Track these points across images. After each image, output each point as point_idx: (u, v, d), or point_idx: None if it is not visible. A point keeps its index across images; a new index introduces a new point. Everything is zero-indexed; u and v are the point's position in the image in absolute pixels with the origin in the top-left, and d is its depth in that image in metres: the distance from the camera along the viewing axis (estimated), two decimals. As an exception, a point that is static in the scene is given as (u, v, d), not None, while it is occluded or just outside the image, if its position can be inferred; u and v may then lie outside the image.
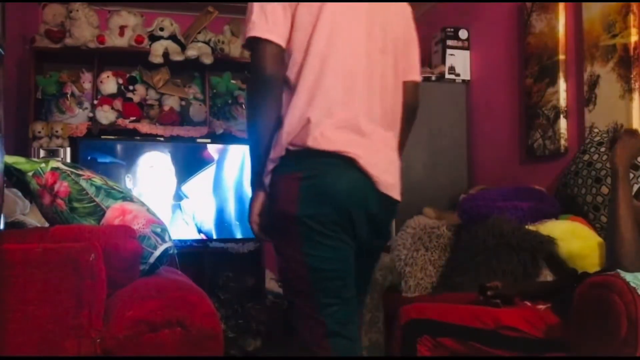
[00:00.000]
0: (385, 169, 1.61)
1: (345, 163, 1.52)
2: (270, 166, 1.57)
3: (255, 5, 1.58)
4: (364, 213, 1.56)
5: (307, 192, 1.51)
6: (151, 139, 3.86)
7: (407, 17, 1.80)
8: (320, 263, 1.52)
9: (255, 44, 1.57)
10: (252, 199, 1.62)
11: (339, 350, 1.52)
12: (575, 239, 2.38)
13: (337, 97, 1.57)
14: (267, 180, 1.59)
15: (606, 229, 2.13)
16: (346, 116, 1.56)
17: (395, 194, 1.66)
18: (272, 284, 4.12)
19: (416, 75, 1.81)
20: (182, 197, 3.83)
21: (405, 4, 1.81)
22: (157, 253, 1.70)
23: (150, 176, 3.84)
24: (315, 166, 1.52)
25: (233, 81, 4.00)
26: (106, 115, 3.74)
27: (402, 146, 1.82)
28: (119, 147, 3.83)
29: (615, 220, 1.82)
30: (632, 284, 1.47)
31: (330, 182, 1.51)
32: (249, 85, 1.71)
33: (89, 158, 3.72)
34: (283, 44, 1.57)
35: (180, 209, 3.84)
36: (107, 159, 3.81)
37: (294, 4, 1.58)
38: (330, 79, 1.57)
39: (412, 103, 1.80)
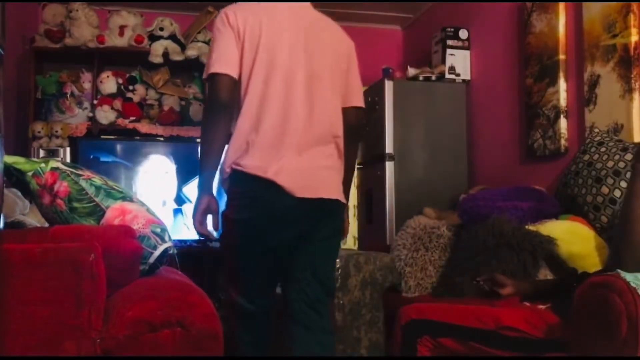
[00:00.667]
0: (306, 177, 1.91)
1: (267, 182, 1.85)
2: (223, 175, 1.95)
3: (214, 45, 1.94)
4: (288, 217, 1.89)
5: (242, 203, 1.89)
6: (151, 139, 3.86)
7: (347, 48, 2.13)
8: (244, 253, 1.92)
9: (212, 77, 1.89)
10: (200, 201, 1.90)
11: (241, 309, 1.90)
12: (575, 239, 2.38)
13: (273, 124, 1.89)
14: (224, 185, 1.97)
15: (615, 228, 2.11)
16: (277, 140, 1.89)
17: (320, 194, 1.92)
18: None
19: (357, 101, 2.13)
20: (183, 201, 3.82)
21: (346, 38, 2.16)
22: (157, 253, 1.70)
23: (150, 181, 3.84)
24: (248, 184, 1.88)
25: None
26: (106, 115, 3.74)
27: (352, 163, 2.19)
28: (118, 147, 3.84)
29: (627, 222, 1.75)
30: (632, 284, 1.47)
31: (257, 197, 1.88)
32: (206, 108, 2.02)
33: (91, 157, 3.72)
34: (236, 76, 1.91)
35: (182, 213, 3.83)
36: (109, 158, 3.81)
37: (240, 39, 1.91)
38: (268, 109, 1.90)
39: (354, 125, 2.12)
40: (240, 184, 1.89)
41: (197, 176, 1.97)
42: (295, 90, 1.93)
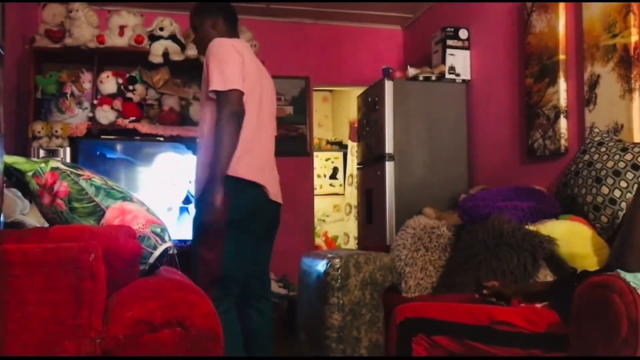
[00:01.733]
0: (274, 187, 2.50)
1: (256, 185, 2.38)
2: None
3: (223, 64, 2.31)
4: (264, 212, 2.45)
5: (235, 202, 2.31)
6: (151, 139, 3.86)
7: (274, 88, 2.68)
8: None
9: (232, 92, 2.29)
10: (217, 196, 2.24)
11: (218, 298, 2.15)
12: (575, 239, 2.38)
13: (259, 146, 2.43)
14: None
15: (619, 229, 2.12)
16: (260, 158, 2.43)
17: (279, 200, 2.55)
18: (272, 284, 4.11)
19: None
20: (190, 200, 3.82)
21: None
22: (157, 253, 1.70)
23: (159, 178, 3.85)
24: (240, 187, 2.33)
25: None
26: (106, 115, 3.74)
27: None
28: (118, 147, 3.84)
29: (631, 225, 1.79)
30: (632, 284, 1.47)
31: (247, 196, 2.36)
32: (227, 119, 2.29)
33: (97, 153, 3.73)
34: (244, 91, 2.34)
35: (188, 211, 3.82)
36: (115, 156, 3.81)
37: (244, 68, 2.35)
38: (260, 134, 2.44)
39: None
40: (235, 187, 2.30)
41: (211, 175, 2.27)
42: (267, 121, 2.51)
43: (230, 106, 2.28)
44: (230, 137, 2.26)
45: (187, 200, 3.83)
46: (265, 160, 2.48)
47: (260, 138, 2.44)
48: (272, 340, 2.62)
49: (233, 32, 2.58)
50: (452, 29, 3.87)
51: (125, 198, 1.78)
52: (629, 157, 2.35)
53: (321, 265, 2.80)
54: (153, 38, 3.83)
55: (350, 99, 5.99)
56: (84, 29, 3.68)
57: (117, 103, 3.79)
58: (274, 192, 2.49)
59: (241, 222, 2.32)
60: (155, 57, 3.79)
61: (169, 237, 1.77)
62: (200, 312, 1.40)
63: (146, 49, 3.80)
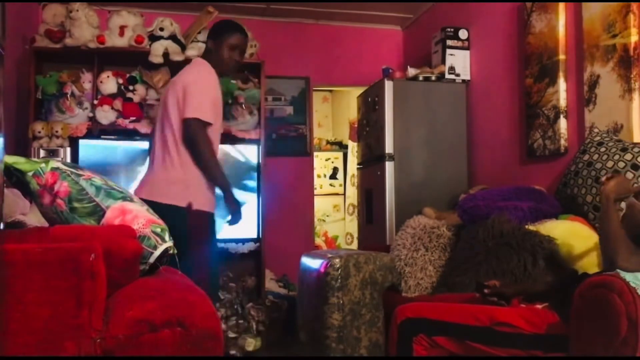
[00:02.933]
0: (151, 190, 2.58)
1: None
2: None
3: (203, 96, 2.62)
4: None
5: None
6: (151, 139, 3.86)
7: (183, 80, 2.68)
8: None
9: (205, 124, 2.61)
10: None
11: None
12: (575, 239, 2.38)
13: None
14: None
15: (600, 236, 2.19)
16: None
17: (153, 198, 2.39)
18: (272, 284, 4.12)
19: (187, 113, 2.60)
20: None
21: (186, 75, 2.71)
22: (157, 253, 1.70)
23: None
24: None
25: (233, 81, 4.00)
26: (106, 115, 3.74)
27: (204, 164, 2.64)
28: (118, 147, 3.84)
29: (606, 230, 1.94)
30: (632, 284, 1.47)
31: None
32: (203, 143, 2.60)
33: (97, 153, 3.74)
34: None
35: None
36: (115, 156, 3.81)
37: None
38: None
39: (185, 132, 2.62)
40: None
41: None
42: (155, 132, 2.75)
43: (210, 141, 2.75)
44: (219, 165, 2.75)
45: None
46: (147, 171, 2.77)
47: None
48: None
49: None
50: (452, 29, 3.87)
51: (126, 198, 1.78)
52: (628, 157, 2.35)
53: (321, 265, 2.80)
54: (153, 38, 3.83)
55: (350, 99, 5.99)
56: (84, 29, 3.68)
57: (117, 103, 3.79)
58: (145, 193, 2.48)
59: None
60: (156, 57, 3.78)
61: (170, 237, 1.77)
62: (200, 312, 1.40)
63: (146, 49, 3.80)
